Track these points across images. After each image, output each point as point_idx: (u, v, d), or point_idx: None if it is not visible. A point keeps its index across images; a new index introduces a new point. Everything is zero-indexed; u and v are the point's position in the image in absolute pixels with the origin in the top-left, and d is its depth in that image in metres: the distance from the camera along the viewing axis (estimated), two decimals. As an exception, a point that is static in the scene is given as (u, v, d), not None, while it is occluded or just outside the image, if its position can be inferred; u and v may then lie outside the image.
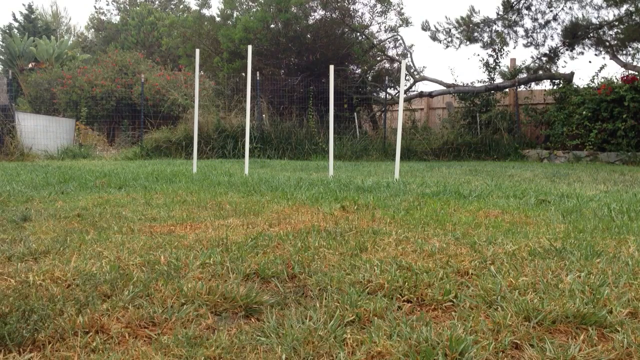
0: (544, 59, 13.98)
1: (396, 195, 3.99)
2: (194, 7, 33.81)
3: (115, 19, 33.26)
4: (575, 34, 13.23)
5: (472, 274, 1.87)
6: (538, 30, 13.91)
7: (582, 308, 1.49)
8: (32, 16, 30.33)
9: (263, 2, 14.56)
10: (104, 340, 1.35)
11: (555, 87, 12.20)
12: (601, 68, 11.85)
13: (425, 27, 14.69)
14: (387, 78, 14.91)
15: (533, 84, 13.07)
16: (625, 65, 11.99)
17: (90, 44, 33.14)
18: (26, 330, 1.36)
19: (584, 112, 10.89)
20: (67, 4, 61.32)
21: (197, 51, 6.84)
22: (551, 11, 13.67)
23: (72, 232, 2.55)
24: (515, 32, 14.09)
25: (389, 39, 15.78)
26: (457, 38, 14.43)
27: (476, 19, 14.09)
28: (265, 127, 12.55)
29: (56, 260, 2.01)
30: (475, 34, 14.16)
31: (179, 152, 11.65)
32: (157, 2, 34.72)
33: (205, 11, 19.89)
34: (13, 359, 1.26)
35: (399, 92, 12.77)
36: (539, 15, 13.82)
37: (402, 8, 15.69)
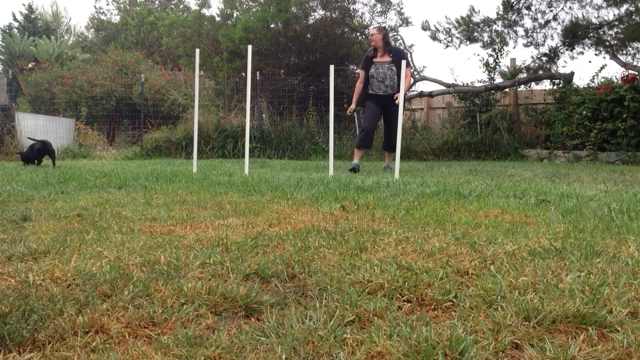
0: (544, 58, 13.97)
1: (396, 195, 3.99)
2: (194, 7, 33.83)
3: (115, 18, 33.30)
4: (575, 34, 13.22)
5: (472, 273, 1.87)
6: (538, 30, 13.90)
7: (582, 308, 1.49)
8: (32, 16, 30.33)
9: (263, 2, 14.56)
10: (104, 340, 1.35)
11: (555, 87, 12.18)
12: (601, 68, 11.83)
13: (425, 27, 14.68)
14: (387, 78, 14.87)
15: (533, 83, 13.04)
16: (625, 65, 11.98)
17: (90, 44, 33.16)
18: (26, 330, 1.36)
19: (584, 112, 10.88)
20: (67, 4, 61.37)
21: (197, 51, 6.84)
22: (551, 11, 13.66)
23: (72, 232, 2.55)
24: (515, 32, 14.07)
25: (389, 39, 15.76)
26: (457, 38, 14.41)
27: (476, 18, 14.08)
28: (265, 127, 12.54)
29: (56, 260, 2.01)
30: (475, 33, 14.14)
31: (179, 152, 11.65)
32: (157, 2, 34.74)
33: (205, 11, 19.91)
34: (13, 359, 1.26)
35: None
36: (539, 15, 13.81)
37: (402, 8, 15.71)
